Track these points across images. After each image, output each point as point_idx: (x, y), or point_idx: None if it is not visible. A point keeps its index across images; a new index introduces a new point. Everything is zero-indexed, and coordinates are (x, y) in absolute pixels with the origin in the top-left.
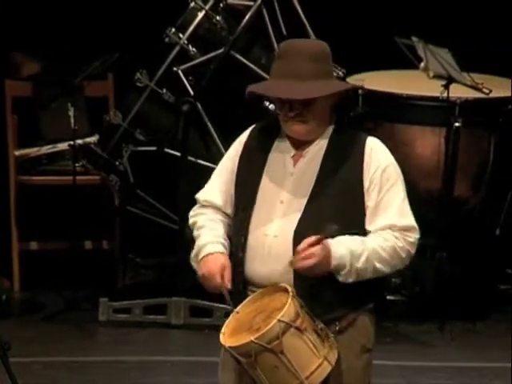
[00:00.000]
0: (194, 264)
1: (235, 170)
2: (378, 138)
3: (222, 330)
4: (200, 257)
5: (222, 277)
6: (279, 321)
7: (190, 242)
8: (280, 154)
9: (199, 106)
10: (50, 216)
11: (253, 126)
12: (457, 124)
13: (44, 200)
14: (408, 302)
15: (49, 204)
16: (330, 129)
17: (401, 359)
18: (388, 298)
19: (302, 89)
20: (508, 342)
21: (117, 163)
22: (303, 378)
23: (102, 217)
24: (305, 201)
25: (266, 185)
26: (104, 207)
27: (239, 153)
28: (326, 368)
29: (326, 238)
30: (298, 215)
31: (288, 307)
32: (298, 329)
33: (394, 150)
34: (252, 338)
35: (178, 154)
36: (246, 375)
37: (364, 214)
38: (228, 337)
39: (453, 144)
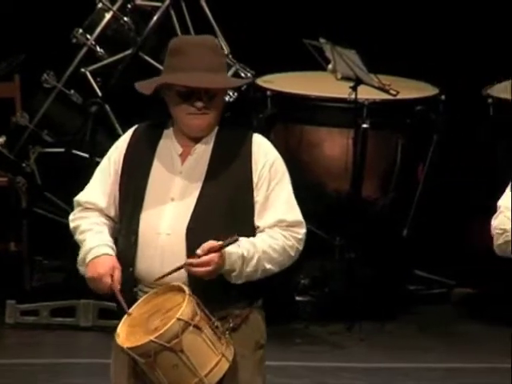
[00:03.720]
0: (81, 269)
1: (119, 171)
2: (287, 139)
3: (117, 332)
4: (88, 260)
5: (112, 278)
6: (178, 319)
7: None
8: (167, 152)
9: (107, 107)
10: None
11: (135, 126)
12: (364, 125)
13: None
14: (317, 302)
15: None
16: (216, 127)
17: (310, 360)
18: (297, 298)
19: (215, 79)
20: (416, 342)
21: (24, 165)
22: (202, 375)
23: (9, 218)
24: (195, 198)
25: (154, 183)
26: (11, 209)
27: (123, 153)
28: (224, 365)
29: (225, 246)
30: (190, 212)
31: (186, 305)
32: (196, 327)
33: (302, 152)
34: (151, 338)
35: (86, 155)
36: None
37: (253, 210)
38: (124, 339)
39: (361, 145)
